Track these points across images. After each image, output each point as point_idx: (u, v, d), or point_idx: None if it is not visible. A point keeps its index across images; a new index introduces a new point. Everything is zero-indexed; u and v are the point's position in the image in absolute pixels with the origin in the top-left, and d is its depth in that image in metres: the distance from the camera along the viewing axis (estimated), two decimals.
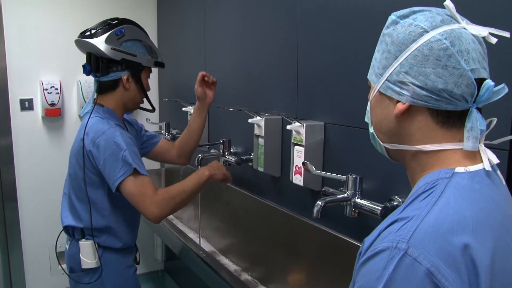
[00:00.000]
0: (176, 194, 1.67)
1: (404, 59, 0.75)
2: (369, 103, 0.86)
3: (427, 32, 0.74)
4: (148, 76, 1.88)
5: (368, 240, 0.74)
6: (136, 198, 1.62)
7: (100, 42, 1.71)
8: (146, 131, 2.11)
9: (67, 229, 1.84)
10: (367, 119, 0.88)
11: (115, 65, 1.76)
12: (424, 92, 0.73)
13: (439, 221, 0.67)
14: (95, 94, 1.81)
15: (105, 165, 1.64)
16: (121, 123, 1.81)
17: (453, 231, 0.65)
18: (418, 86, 0.74)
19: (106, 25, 1.74)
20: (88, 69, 1.77)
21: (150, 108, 1.92)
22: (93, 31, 1.74)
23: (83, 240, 1.78)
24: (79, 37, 1.75)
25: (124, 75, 1.78)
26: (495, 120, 0.79)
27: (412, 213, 0.69)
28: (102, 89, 1.79)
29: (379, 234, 0.71)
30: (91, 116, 1.74)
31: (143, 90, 1.84)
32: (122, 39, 1.75)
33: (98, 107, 1.78)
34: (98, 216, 1.76)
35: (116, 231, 1.80)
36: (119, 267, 1.86)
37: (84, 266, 1.78)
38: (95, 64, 1.74)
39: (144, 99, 1.89)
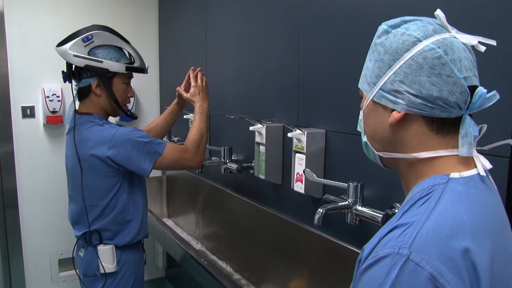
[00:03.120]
0: (199, 138, 1.91)
1: (398, 68, 0.76)
2: (361, 112, 0.86)
3: (420, 41, 0.75)
4: (125, 82, 1.88)
5: (367, 247, 0.74)
6: (178, 163, 1.87)
7: (65, 50, 1.76)
8: None
9: (84, 236, 1.88)
10: (360, 128, 0.88)
11: (85, 72, 1.80)
12: (419, 100, 0.74)
13: (438, 226, 0.68)
14: (76, 100, 1.88)
15: (129, 160, 1.77)
16: None
17: (453, 236, 0.66)
18: (413, 95, 0.75)
19: (76, 32, 1.79)
20: (63, 76, 1.84)
21: (130, 114, 1.98)
22: (65, 39, 1.78)
23: (101, 245, 1.85)
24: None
25: (94, 82, 1.81)
26: (485, 126, 0.81)
27: (412, 219, 0.70)
28: (79, 95, 1.87)
29: (379, 241, 0.72)
30: (87, 127, 1.80)
31: (113, 96, 1.85)
32: (91, 45, 1.78)
33: (87, 116, 1.84)
34: (118, 214, 1.85)
35: (135, 222, 1.90)
36: (133, 264, 1.94)
37: (103, 270, 1.85)
38: (68, 71, 1.81)
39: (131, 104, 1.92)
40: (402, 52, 0.76)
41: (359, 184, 1.49)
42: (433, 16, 0.79)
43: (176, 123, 3.10)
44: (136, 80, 3.32)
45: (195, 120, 1.94)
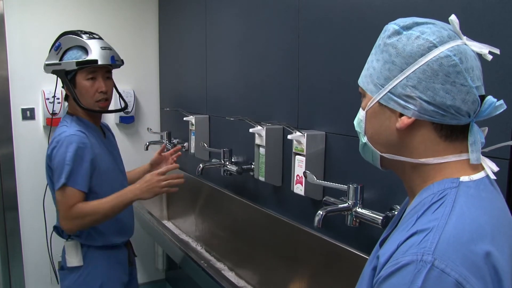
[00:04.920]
0: (88, 214, 1.75)
1: (412, 72, 0.74)
2: (363, 113, 0.84)
3: (436, 47, 0.73)
4: (88, 77, 1.83)
5: (383, 254, 0.72)
6: (58, 207, 1.78)
7: (44, 63, 1.88)
8: None
9: (57, 229, 1.95)
10: (359, 128, 0.86)
11: (61, 78, 1.87)
12: (432, 108, 0.73)
13: (458, 231, 0.67)
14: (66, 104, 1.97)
15: (54, 169, 1.77)
16: (91, 129, 1.90)
17: (473, 240, 0.66)
18: (425, 101, 0.73)
19: (52, 45, 1.90)
20: (62, 87, 1.93)
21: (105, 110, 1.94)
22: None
23: (68, 240, 1.90)
24: None
25: (65, 85, 1.87)
26: (486, 129, 0.80)
27: (430, 224, 0.69)
28: (66, 98, 1.94)
29: (397, 248, 0.70)
30: (59, 126, 1.87)
31: (72, 94, 1.85)
32: (61, 51, 1.84)
33: (68, 116, 1.91)
34: None
35: (96, 228, 1.87)
36: (103, 264, 1.93)
37: (68, 264, 1.90)
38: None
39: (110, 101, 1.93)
40: (416, 56, 0.74)
41: (359, 186, 1.49)
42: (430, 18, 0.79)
43: (176, 126, 3.11)
44: (136, 81, 3.35)
45: (112, 199, 1.77)
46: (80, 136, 1.79)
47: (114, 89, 1.99)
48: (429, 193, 0.75)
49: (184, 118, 2.71)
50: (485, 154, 0.80)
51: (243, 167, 2.19)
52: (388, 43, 0.78)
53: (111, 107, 1.99)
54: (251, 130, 1.99)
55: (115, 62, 1.88)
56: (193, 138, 2.67)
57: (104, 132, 2.01)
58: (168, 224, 3.24)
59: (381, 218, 1.39)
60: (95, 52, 1.81)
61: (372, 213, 1.43)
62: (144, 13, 3.36)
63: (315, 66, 1.75)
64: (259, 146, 1.99)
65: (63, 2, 3.06)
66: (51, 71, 1.86)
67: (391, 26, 0.79)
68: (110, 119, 3.28)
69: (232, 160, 2.35)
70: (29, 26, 2.96)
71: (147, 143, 3.06)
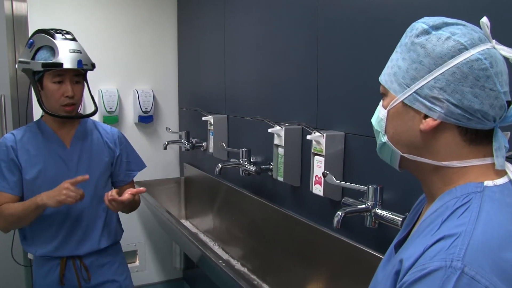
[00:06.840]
0: (7, 216, 1.76)
1: (440, 74, 0.73)
2: (384, 111, 0.83)
3: (467, 49, 0.72)
4: (54, 80, 1.75)
5: (407, 258, 0.71)
6: None
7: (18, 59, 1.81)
8: (129, 162, 2.05)
9: None
10: (379, 127, 0.85)
11: (29, 78, 1.80)
12: (459, 111, 0.72)
13: (487, 237, 0.65)
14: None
15: None
16: (45, 135, 1.84)
17: (502, 247, 0.65)
18: (453, 104, 0.73)
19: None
20: None
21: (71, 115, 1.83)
22: None
23: None
24: None
25: (32, 85, 1.80)
26: (508, 134, 0.79)
27: (457, 229, 0.68)
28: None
29: (423, 252, 0.69)
30: None
31: (37, 95, 1.79)
32: (34, 49, 1.76)
33: (38, 119, 1.91)
34: None
35: (26, 236, 1.88)
36: (36, 270, 1.94)
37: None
38: None
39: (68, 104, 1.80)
40: (446, 58, 0.73)
41: (378, 187, 1.48)
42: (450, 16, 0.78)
43: (194, 126, 3.13)
44: (155, 81, 3.38)
45: (24, 203, 1.75)
46: (5, 138, 1.82)
47: (89, 92, 1.93)
48: (451, 197, 0.74)
49: (203, 118, 2.72)
50: (508, 158, 0.79)
51: (261, 167, 2.19)
52: (416, 42, 0.77)
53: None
54: (270, 130, 1.99)
55: (82, 66, 1.77)
56: (211, 138, 2.69)
57: (72, 140, 1.89)
58: (186, 223, 3.26)
59: (400, 219, 1.38)
60: (62, 54, 1.72)
61: (391, 214, 1.42)
62: (162, 13, 3.39)
63: (334, 66, 1.74)
64: (278, 146, 1.99)
65: (83, 2, 3.10)
66: (21, 70, 1.78)
67: (420, 25, 0.77)
68: (129, 119, 3.32)
69: (251, 160, 2.35)
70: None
71: (166, 143, 3.09)
